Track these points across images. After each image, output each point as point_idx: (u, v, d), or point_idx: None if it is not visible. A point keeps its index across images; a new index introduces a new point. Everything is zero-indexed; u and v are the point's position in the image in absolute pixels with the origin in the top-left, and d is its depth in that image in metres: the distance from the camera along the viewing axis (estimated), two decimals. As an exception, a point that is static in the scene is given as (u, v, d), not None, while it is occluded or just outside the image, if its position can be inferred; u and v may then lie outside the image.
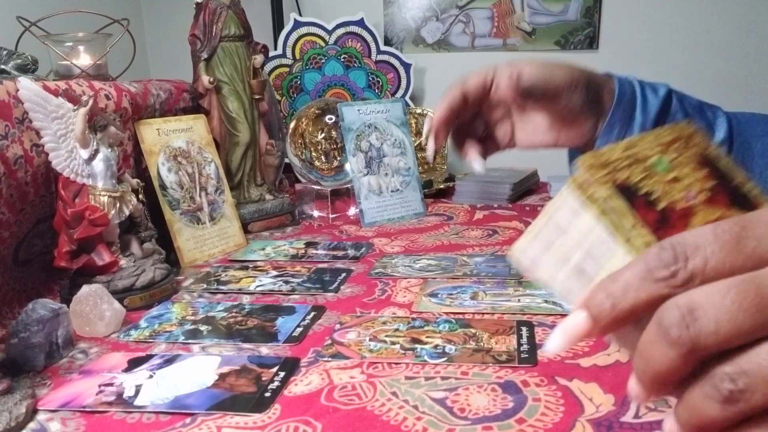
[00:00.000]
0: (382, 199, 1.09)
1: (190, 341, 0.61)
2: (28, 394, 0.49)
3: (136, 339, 0.62)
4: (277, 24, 1.54)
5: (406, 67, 1.48)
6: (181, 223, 0.89)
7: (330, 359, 0.56)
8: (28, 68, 0.84)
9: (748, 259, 0.21)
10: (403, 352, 0.57)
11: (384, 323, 0.64)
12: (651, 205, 0.26)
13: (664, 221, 0.25)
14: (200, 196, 0.94)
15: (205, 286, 0.78)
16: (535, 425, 0.44)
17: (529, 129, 0.61)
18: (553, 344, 0.26)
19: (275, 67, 1.46)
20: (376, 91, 1.48)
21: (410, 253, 0.89)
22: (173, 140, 0.93)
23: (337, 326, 0.63)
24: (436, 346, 0.57)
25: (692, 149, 0.28)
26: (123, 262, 0.73)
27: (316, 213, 1.16)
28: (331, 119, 1.13)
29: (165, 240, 0.85)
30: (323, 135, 1.14)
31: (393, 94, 1.49)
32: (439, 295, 0.71)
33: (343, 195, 1.17)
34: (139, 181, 0.80)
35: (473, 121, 0.63)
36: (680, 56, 1.49)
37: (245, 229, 1.00)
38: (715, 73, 1.47)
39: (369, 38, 1.47)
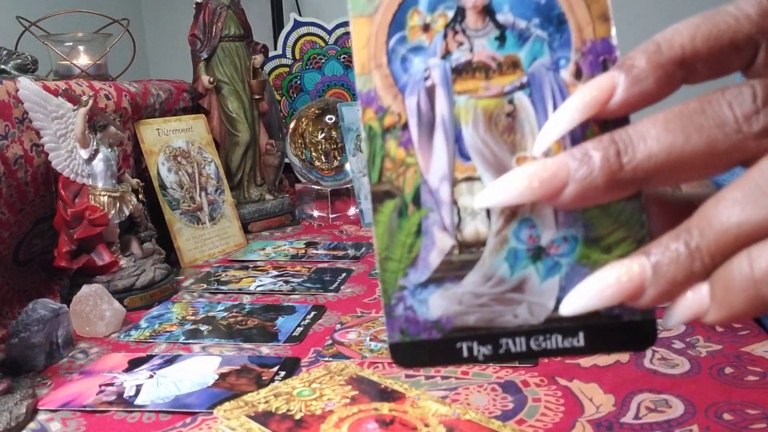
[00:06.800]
0: (382, 199, 1.08)
1: (190, 341, 0.61)
2: (28, 394, 0.49)
3: (136, 339, 0.62)
4: (277, 24, 1.54)
5: (406, 67, 1.48)
6: (181, 223, 0.89)
7: (330, 359, 0.56)
8: (28, 68, 0.84)
9: None
10: (403, 352, 0.56)
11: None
12: None
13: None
14: (200, 196, 0.94)
15: (205, 286, 0.78)
16: (535, 425, 0.44)
17: None
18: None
19: (275, 67, 1.46)
20: (376, 91, 1.48)
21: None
22: (173, 140, 0.93)
23: (338, 326, 0.63)
24: (436, 346, 0.57)
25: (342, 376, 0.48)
26: (123, 262, 0.73)
27: (316, 213, 1.16)
28: (331, 119, 1.13)
29: (165, 240, 0.85)
30: (323, 135, 1.14)
31: (393, 94, 1.48)
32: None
33: (343, 195, 1.17)
34: (139, 181, 0.80)
35: None
36: (680, 56, 1.49)
37: (245, 229, 1.00)
38: (714, 73, 1.47)
39: (369, 38, 1.47)
